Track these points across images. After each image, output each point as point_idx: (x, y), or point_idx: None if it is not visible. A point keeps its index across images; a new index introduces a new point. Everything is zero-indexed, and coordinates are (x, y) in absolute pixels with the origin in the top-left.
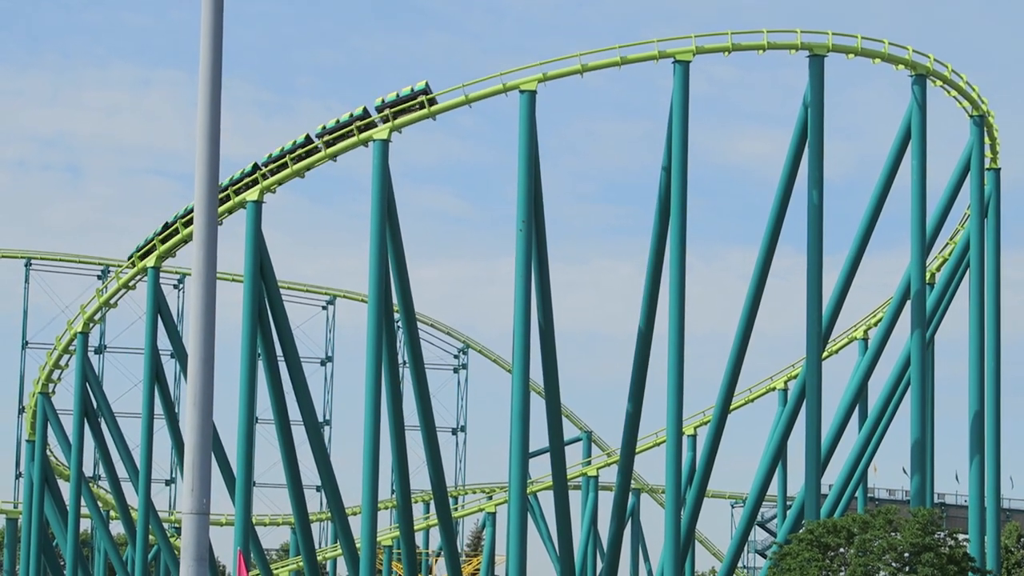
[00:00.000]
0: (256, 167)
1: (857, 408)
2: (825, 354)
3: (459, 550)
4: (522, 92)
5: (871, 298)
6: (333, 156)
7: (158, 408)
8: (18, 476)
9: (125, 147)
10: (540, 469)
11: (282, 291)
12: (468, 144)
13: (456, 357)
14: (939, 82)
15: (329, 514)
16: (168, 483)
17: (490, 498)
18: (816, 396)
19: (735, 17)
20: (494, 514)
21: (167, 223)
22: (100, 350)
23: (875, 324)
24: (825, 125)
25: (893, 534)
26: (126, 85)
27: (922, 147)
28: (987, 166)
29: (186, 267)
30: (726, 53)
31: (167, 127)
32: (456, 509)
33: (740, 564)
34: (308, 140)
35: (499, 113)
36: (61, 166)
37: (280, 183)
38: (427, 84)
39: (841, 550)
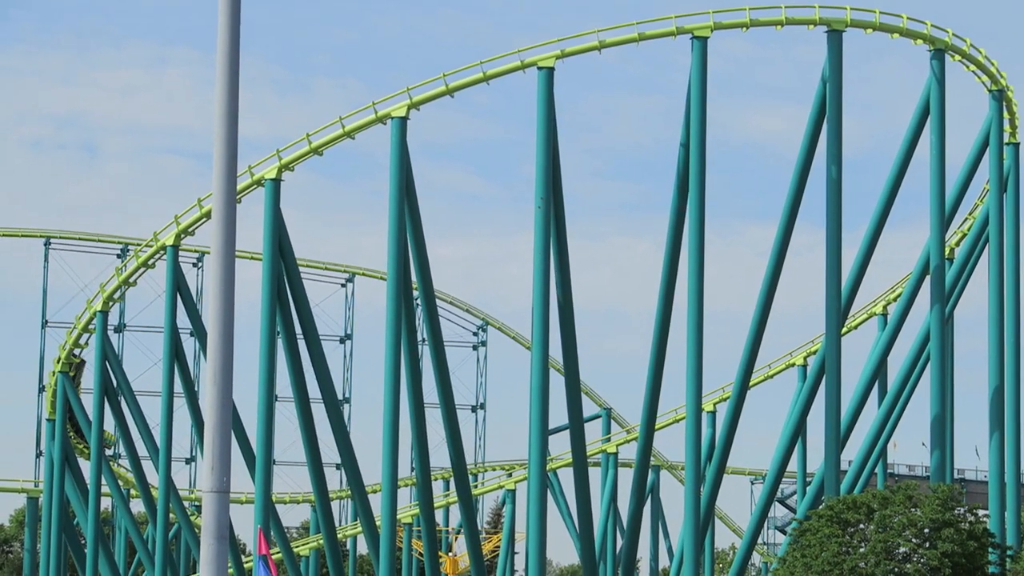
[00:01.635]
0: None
1: (876, 384)
2: (844, 330)
3: (479, 527)
4: (540, 69)
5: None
6: (351, 134)
7: (178, 386)
8: (39, 455)
9: (141, 126)
10: (560, 446)
11: (301, 269)
12: (486, 121)
13: (475, 334)
14: (957, 57)
15: (349, 492)
16: (188, 461)
17: (510, 475)
18: (835, 372)
19: None
20: (514, 491)
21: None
22: (120, 329)
23: (894, 300)
24: (843, 101)
25: (913, 510)
26: (142, 64)
27: (941, 122)
28: (1006, 140)
29: (205, 245)
30: (744, 28)
31: (183, 106)
32: (476, 486)
33: (760, 540)
34: None
35: (516, 90)
36: (77, 145)
37: (298, 161)
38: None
39: (861, 526)
